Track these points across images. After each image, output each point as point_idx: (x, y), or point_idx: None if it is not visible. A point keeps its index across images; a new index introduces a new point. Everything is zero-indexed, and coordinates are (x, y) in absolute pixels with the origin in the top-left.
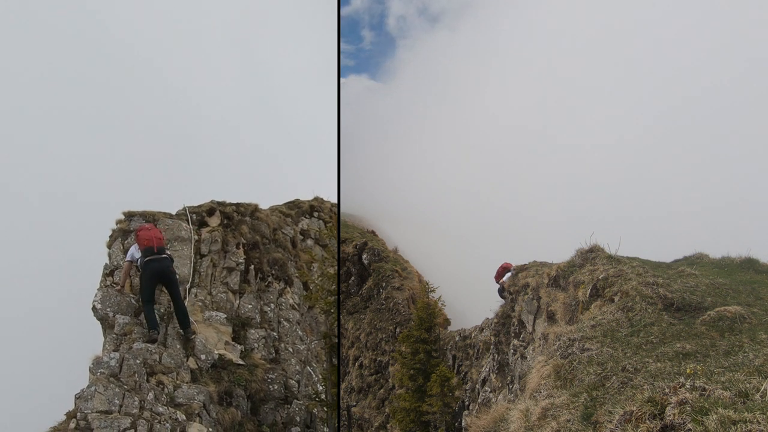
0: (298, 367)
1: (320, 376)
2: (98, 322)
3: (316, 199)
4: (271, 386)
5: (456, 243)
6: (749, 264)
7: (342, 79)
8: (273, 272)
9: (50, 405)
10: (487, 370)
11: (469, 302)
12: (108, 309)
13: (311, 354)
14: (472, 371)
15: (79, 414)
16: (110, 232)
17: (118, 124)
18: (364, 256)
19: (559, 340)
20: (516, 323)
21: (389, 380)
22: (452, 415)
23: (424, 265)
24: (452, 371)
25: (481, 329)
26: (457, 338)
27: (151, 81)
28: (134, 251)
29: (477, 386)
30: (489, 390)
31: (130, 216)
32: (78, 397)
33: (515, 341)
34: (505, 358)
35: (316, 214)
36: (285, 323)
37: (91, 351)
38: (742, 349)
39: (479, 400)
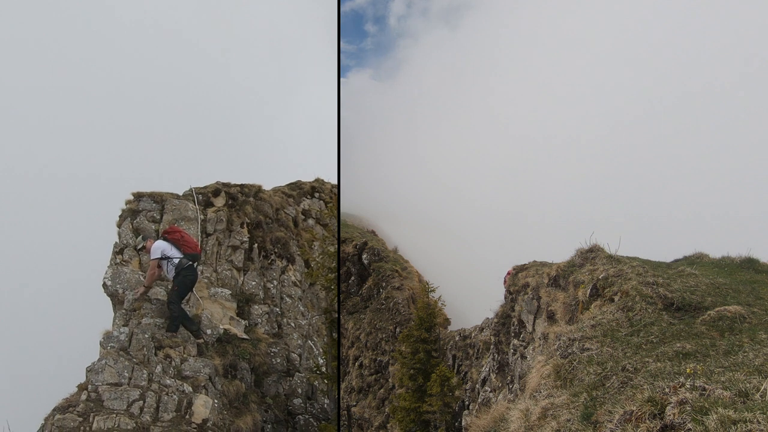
0: (299, 341)
1: (321, 350)
2: (108, 298)
3: (317, 180)
4: (273, 359)
5: (456, 243)
6: (749, 264)
7: (342, 78)
8: (276, 250)
9: (63, 377)
10: (487, 369)
11: (469, 302)
12: (118, 285)
13: (312, 329)
14: (472, 371)
15: (90, 386)
16: (120, 212)
17: (128, 111)
18: (364, 256)
19: (559, 339)
20: (516, 323)
21: (389, 380)
22: (452, 414)
23: (424, 264)
24: (452, 371)
25: (481, 329)
26: (457, 338)
27: (161, 70)
28: (168, 249)
29: (477, 386)
30: (489, 390)
31: (138, 196)
32: (89, 370)
33: (515, 341)
34: (505, 358)
35: (317, 194)
36: (287, 299)
37: (102, 326)
38: (742, 348)
39: (479, 400)
